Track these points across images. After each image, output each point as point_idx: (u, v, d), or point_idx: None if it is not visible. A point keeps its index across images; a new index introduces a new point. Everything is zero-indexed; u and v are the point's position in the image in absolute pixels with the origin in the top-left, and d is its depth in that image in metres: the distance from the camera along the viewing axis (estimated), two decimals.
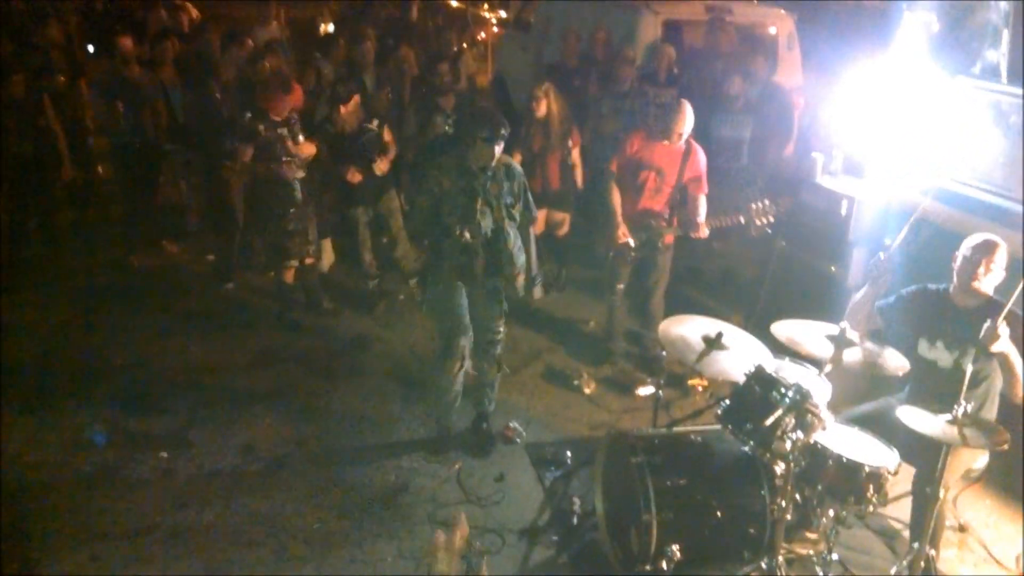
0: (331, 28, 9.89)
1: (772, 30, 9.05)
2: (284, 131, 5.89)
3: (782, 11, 9.34)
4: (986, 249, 3.92)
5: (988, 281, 3.92)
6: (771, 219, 5.40)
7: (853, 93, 6.14)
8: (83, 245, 7.35)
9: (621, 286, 5.89)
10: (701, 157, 5.55)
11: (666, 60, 7.67)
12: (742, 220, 5.46)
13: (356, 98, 6.11)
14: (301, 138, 5.98)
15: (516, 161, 6.47)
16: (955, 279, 3.97)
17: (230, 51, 6.76)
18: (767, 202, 5.42)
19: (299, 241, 6.11)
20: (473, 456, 4.91)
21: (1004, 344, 3.63)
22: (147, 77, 6.94)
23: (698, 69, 8.04)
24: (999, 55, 5.32)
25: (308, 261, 6.29)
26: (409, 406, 5.40)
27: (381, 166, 6.17)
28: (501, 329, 4.89)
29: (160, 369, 5.70)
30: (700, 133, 6.91)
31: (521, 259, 4.72)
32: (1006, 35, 5.17)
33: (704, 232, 5.53)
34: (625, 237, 5.56)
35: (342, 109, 6.04)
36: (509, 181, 4.64)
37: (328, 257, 7.10)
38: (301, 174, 6.02)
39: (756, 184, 7.01)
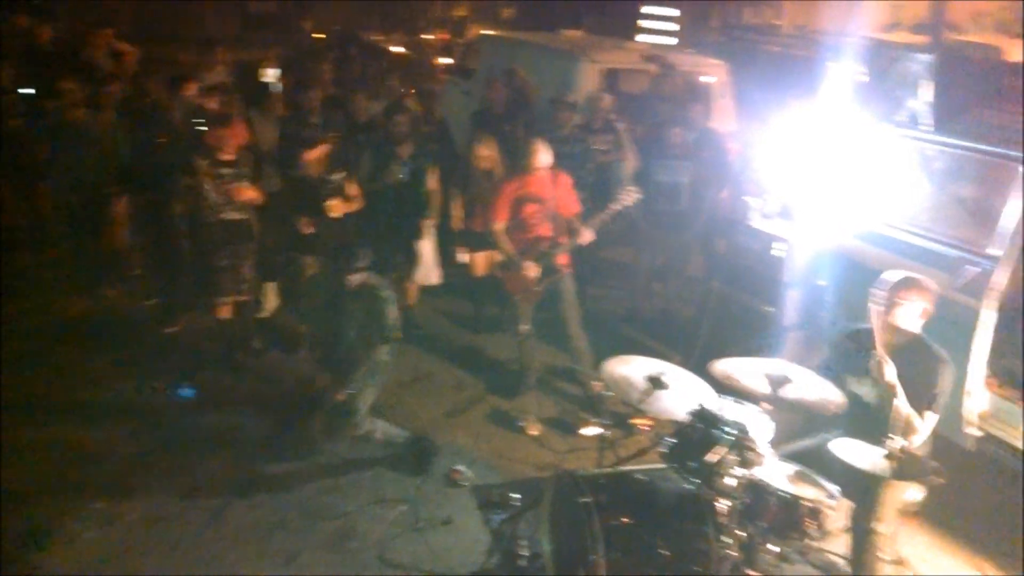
0: (277, 73, 9.88)
1: (706, 78, 9.33)
2: (229, 171, 5.88)
3: (715, 60, 9.65)
4: (897, 286, 4.07)
5: (904, 317, 4.05)
6: (636, 196, 5.87)
7: (785, 139, 6.35)
8: (24, 289, 7.17)
9: (527, 327, 6.13)
10: (567, 180, 6.13)
11: (603, 108, 7.86)
12: (616, 207, 5.88)
13: (324, 146, 6.13)
14: (245, 182, 5.97)
15: (457, 205, 6.66)
16: (873, 316, 4.12)
17: (175, 94, 6.76)
18: (631, 187, 5.92)
19: (230, 278, 6.08)
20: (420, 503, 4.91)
21: (891, 378, 3.80)
22: (92, 120, 6.88)
23: (636, 116, 8.24)
24: (921, 104, 5.56)
25: (242, 299, 6.26)
26: (355, 449, 5.36)
27: (336, 207, 6.14)
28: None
29: (100, 414, 5.57)
30: (640, 178, 7.12)
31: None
32: (927, 85, 5.43)
33: (589, 234, 5.93)
34: (533, 272, 5.93)
35: (306, 154, 6.05)
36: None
37: (272, 301, 7.04)
38: (238, 215, 6.01)
39: (694, 228, 7.19)
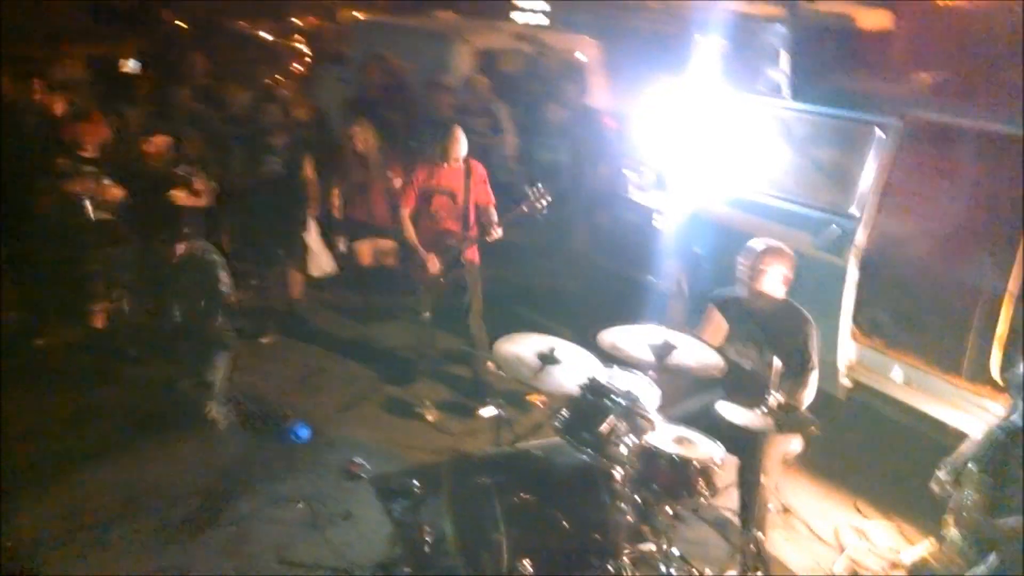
0: (135, 66, 9.47)
1: (581, 56, 9.46)
2: (92, 168, 5.61)
3: (588, 38, 9.79)
4: (759, 254, 4.25)
5: (769, 283, 4.24)
6: (548, 199, 5.69)
7: (657, 112, 6.52)
8: None
9: (427, 314, 6.07)
10: (482, 172, 5.91)
11: (480, 89, 7.87)
12: (526, 209, 5.74)
13: (162, 138, 5.89)
14: (107, 180, 5.70)
15: (335, 193, 6.56)
16: (740, 283, 4.30)
17: (23, 91, 6.38)
18: (540, 186, 5.72)
19: (100, 284, 5.81)
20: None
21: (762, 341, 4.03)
22: None
23: (512, 96, 8.29)
24: (781, 73, 5.78)
25: (114, 304, 5.98)
26: (242, 452, 5.22)
27: (180, 197, 5.89)
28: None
29: None
30: (522, 158, 7.18)
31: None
32: (784, 55, 5.65)
33: (498, 232, 5.78)
34: (434, 267, 5.77)
35: (143, 145, 5.81)
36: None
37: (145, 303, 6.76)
38: (104, 215, 5.74)
39: (575, 203, 7.30)
